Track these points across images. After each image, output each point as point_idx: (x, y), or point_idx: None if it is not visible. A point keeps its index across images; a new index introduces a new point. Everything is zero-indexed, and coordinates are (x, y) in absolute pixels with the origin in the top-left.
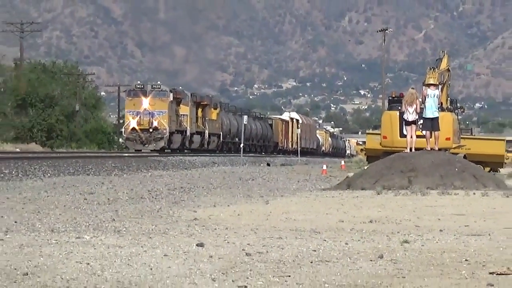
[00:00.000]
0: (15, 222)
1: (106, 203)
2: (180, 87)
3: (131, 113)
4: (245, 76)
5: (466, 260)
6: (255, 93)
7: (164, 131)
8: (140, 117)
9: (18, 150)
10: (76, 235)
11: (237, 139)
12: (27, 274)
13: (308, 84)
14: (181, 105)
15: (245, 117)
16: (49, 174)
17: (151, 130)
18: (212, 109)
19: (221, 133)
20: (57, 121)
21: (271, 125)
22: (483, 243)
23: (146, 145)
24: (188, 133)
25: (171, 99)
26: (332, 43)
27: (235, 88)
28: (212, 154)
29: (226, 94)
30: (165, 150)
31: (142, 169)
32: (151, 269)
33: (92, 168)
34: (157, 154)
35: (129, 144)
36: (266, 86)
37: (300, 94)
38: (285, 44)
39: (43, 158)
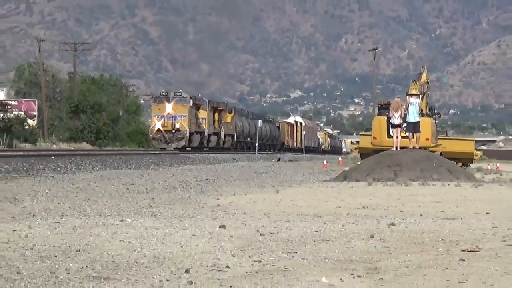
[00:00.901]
0: (69, 207)
1: (144, 192)
2: (200, 95)
3: (156, 116)
4: (260, 87)
5: (442, 239)
6: (268, 101)
7: (185, 132)
8: (164, 120)
9: (72, 148)
10: (120, 219)
11: (249, 139)
12: (79, 251)
13: (311, 94)
14: (200, 110)
15: (260, 121)
16: (97, 168)
17: (173, 131)
18: (227, 113)
19: (235, 133)
20: (104, 124)
21: (278, 127)
22: (456, 225)
23: (170, 144)
24: (206, 134)
25: (191, 104)
26: (331, 60)
27: (251, 97)
28: (228, 152)
29: (244, 102)
30: (187, 148)
31: (174, 164)
32: (182, 246)
33: (133, 163)
34: (180, 151)
35: (155, 143)
36: (277, 95)
37: (305, 102)
38: (293, 60)
39: (92, 155)
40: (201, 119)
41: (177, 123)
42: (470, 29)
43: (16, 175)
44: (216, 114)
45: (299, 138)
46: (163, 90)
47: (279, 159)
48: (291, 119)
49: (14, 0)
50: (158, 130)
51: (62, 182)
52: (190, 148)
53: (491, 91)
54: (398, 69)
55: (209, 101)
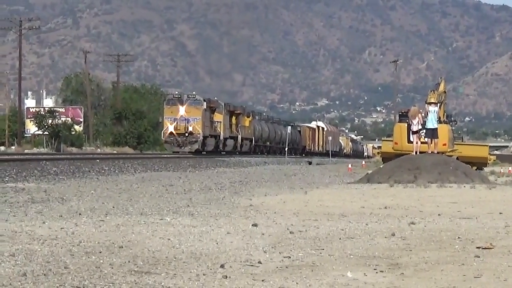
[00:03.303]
0: (113, 207)
1: (182, 193)
2: (215, 98)
3: (169, 119)
4: (289, 96)
5: (458, 237)
6: (297, 109)
7: (198, 135)
8: (177, 123)
9: (115, 152)
10: (160, 217)
11: (268, 143)
12: (122, 247)
13: (337, 102)
14: (215, 113)
15: (289, 127)
16: (139, 171)
17: (186, 134)
18: (245, 117)
19: (253, 137)
20: (145, 130)
21: (299, 131)
22: (472, 224)
23: (182, 148)
24: (221, 138)
25: (205, 107)
26: (356, 71)
27: (281, 105)
28: (246, 155)
29: (274, 110)
30: (202, 152)
31: (210, 167)
32: (217, 243)
33: (172, 166)
34: (213, 155)
35: (167, 147)
36: (305, 104)
37: (331, 110)
38: (320, 71)
39: (134, 158)
40: (216, 123)
41: (190, 126)
42: (484, 42)
43: (63, 177)
44: (233, 118)
45: (321, 142)
46: (176, 92)
47: (310, 163)
48: (313, 124)
49: (62, 14)
50: (171, 133)
51: (106, 183)
52: (205, 152)
53: (503, 100)
54: (418, 80)
55: (225, 104)
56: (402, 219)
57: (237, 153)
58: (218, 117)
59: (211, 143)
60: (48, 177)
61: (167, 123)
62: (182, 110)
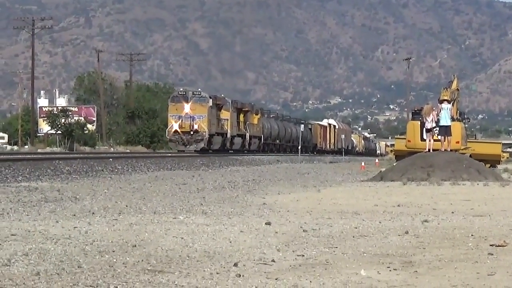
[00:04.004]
0: (126, 206)
1: (195, 191)
2: (222, 95)
3: (173, 117)
4: (302, 94)
5: (472, 235)
6: (310, 107)
7: (204, 133)
8: (182, 120)
9: (128, 151)
10: (173, 216)
11: (278, 141)
12: (135, 246)
13: (350, 100)
14: (222, 110)
15: (302, 125)
16: (152, 169)
17: (192, 132)
18: (254, 114)
19: (262, 135)
20: (158, 129)
21: (310, 129)
22: (485, 222)
23: (188, 146)
24: (228, 136)
25: (211, 104)
26: (368, 69)
27: (294, 104)
28: (259, 154)
29: (287, 109)
30: (209, 151)
31: (223, 165)
32: (230, 242)
33: (185, 165)
34: (226, 154)
35: (172, 145)
36: (318, 102)
37: (344, 108)
38: (333, 69)
39: (147, 157)
40: (223, 120)
41: (196, 124)
42: (497, 39)
43: (76, 176)
44: (241, 115)
45: (332, 140)
46: (181, 89)
47: (331, 162)
48: (324, 122)
49: (75, 14)
50: (175, 131)
51: (119, 182)
52: (211, 151)
53: None
54: (430, 77)
55: (232, 101)
56: (415, 217)
57: (245, 151)
58: (225, 114)
59: (217, 142)
60: (61, 176)
61: (171, 121)
62: (187, 107)
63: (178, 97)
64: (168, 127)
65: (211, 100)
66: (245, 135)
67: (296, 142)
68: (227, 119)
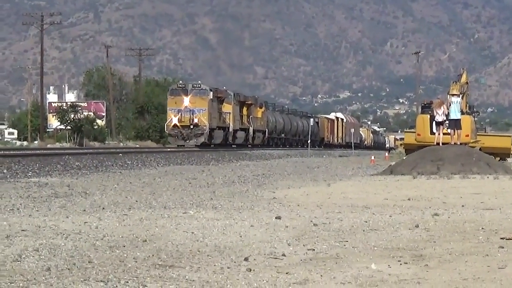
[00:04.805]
0: (136, 201)
1: (205, 186)
2: (224, 87)
3: (172, 110)
4: (311, 88)
5: (482, 228)
6: (319, 102)
7: (204, 127)
8: (181, 114)
9: (137, 146)
10: (183, 211)
11: (283, 135)
12: (146, 241)
13: (359, 94)
14: (224, 103)
15: (312, 119)
16: (161, 164)
17: (191, 126)
18: (258, 108)
19: (267, 129)
20: None
21: (317, 123)
22: (495, 215)
23: (187, 141)
24: (231, 130)
25: (211, 97)
26: (378, 63)
27: (304, 98)
28: (263, 148)
29: (297, 103)
30: (210, 146)
31: (233, 160)
32: (241, 236)
33: (195, 159)
34: (237, 149)
35: (171, 140)
36: (327, 96)
37: (353, 102)
38: (342, 64)
39: (157, 152)
40: (225, 114)
41: (196, 117)
42: (506, 33)
43: (86, 171)
44: (244, 109)
45: (340, 134)
46: (180, 81)
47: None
48: (331, 115)
49: (83, 9)
50: (175, 125)
51: (129, 177)
52: (213, 146)
53: None
54: (440, 71)
55: (234, 94)
56: (425, 210)
57: (249, 146)
58: (227, 108)
59: (219, 136)
60: (71, 171)
61: (170, 114)
62: (186, 100)
63: (177, 90)
64: (167, 121)
65: (211, 92)
66: (249, 129)
67: (302, 136)
68: (229, 113)
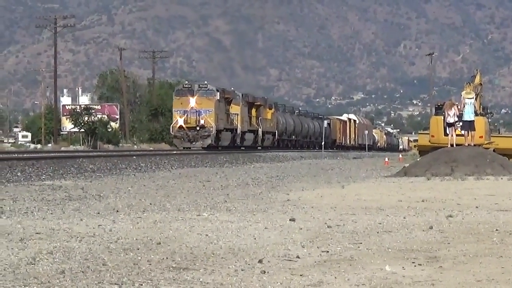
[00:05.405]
0: (150, 203)
1: (219, 188)
2: (232, 88)
3: (178, 111)
4: (325, 90)
5: (496, 230)
6: (333, 103)
7: (211, 129)
8: (187, 115)
9: (151, 148)
10: (197, 213)
11: (294, 137)
12: (160, 243)
13: (373, 96)
14: (232, 104)
15: (326, 121)
16: (175, 167)
17: (198, 128)
18: (267, 109)
19: (277, 131)
20: None
21: (329, 124)
22: (510, 216)
23: (193, 143)
24: (239, 131)
25: (218, 98)
26: (391, 64)
27: (317, 100)
28: (272, 150)
29: (310, 104)
30: (218, 148)
31: (247, 162)
32: (255, 238)
33: (209, 162)
34: (250, 150)
35: (177, 142)
36: (341, 97)
37: (367, 104)
38: (355, 65)
39: (170, 155)
40: (232, 115)
41: (202, 119)
42: None
43: (100, 174)
44: (253, 110)
45: (352, 136)
46: (186, 82)
47: (354, 158)
48: (344, 116)
49: (97, 12)
50: (180, 127)
51: (143, 180)
52: (220, 148)
53: None
54: (453, 72)
55: (243, 95)
56: (439, 212)
57: (258, 148)
58: (235, 109)
59: (226, 138)
60: (85, 174)
61: (176, 116)
62: (192, 101)
63: (183, 91)
64: (173, 123)
65: (218, 93)
66: (258, 130)
67: (313, 138)
68: (238, 114)
